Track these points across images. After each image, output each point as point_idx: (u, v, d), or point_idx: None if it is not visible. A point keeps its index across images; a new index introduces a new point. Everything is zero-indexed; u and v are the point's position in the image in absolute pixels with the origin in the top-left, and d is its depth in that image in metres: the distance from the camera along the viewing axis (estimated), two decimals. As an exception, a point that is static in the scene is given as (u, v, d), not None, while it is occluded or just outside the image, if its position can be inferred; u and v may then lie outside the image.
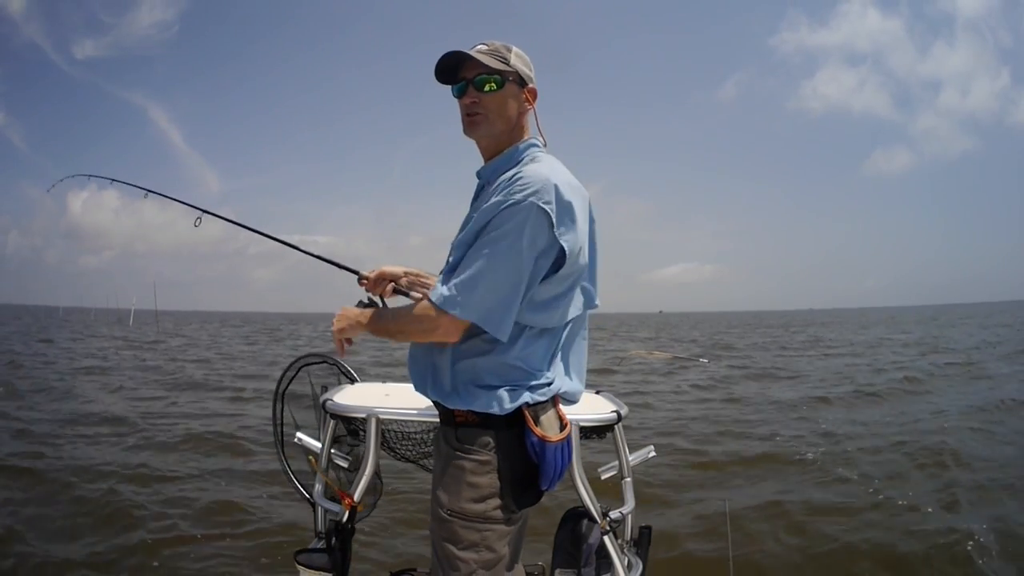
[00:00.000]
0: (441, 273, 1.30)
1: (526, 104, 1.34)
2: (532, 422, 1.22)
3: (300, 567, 1.68)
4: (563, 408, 1.32)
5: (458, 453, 1.25)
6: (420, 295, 1.43)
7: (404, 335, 1.28)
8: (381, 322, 1.32)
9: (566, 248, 1.19)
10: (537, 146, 1.35)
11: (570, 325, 1.32)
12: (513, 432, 1.23)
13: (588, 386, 1.54)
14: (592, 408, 1.81)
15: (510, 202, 1.16)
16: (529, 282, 1.19)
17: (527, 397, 1.22)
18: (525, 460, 1.24)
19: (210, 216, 1.92)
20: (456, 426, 1.27)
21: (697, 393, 9.44)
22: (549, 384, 1.27)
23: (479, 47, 1.30)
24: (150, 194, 2.13)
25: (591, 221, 1.32)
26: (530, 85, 1.34)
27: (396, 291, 1.54)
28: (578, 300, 1.31)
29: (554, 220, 1.17)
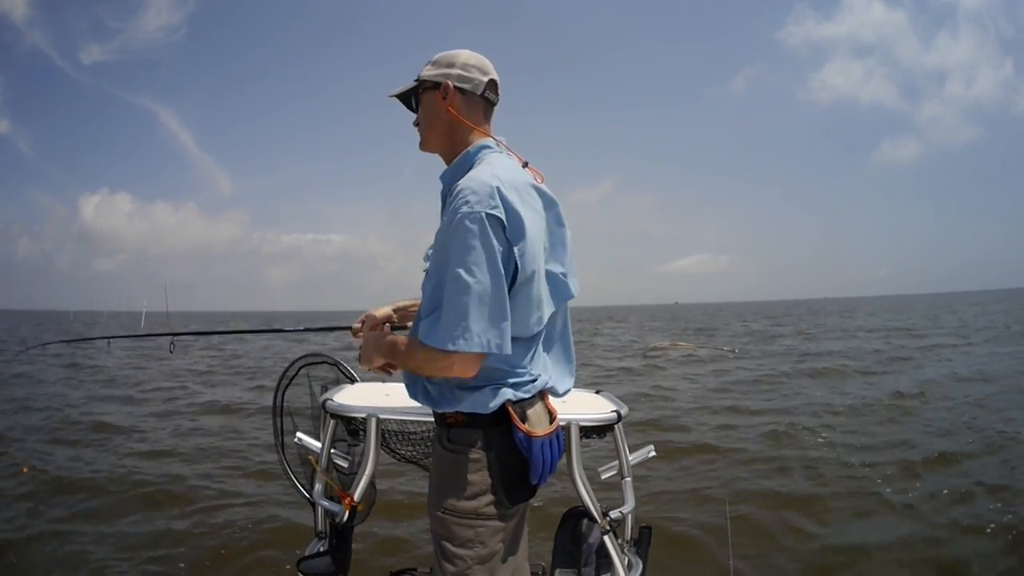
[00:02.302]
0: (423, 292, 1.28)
1: (442, 102, 1.32)
2: (517, 419, 1.23)
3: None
4: (553, 402, 1.34)
5: (450, 453, 1.28)
6: None
7: (422, 372, 1.28)
8: (398, 358, 1.33)
9: (517, 248, 1.18)
10: (490, 147, 1.33)
11: (549, 320, 1.32)
12: (501, 429, 1.25)
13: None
14: (592, 408, 1.81)
15: (459, 218, 1.15)
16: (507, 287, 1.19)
17: (510, 394, 1.24)
18: (515, 456, 1.25)
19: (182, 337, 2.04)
20: (447, 427, 1.30)
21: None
22: (533, 380, 1.28)
23: None
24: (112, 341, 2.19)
25: (553, 205, 1.31)
26: (443, 83, 1.31)
27: (394, 329, 1.56)
28: (550, 295, 1.29)
29: (505, 223, 1.16)
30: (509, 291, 1.19)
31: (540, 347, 1.32)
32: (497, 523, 1.26)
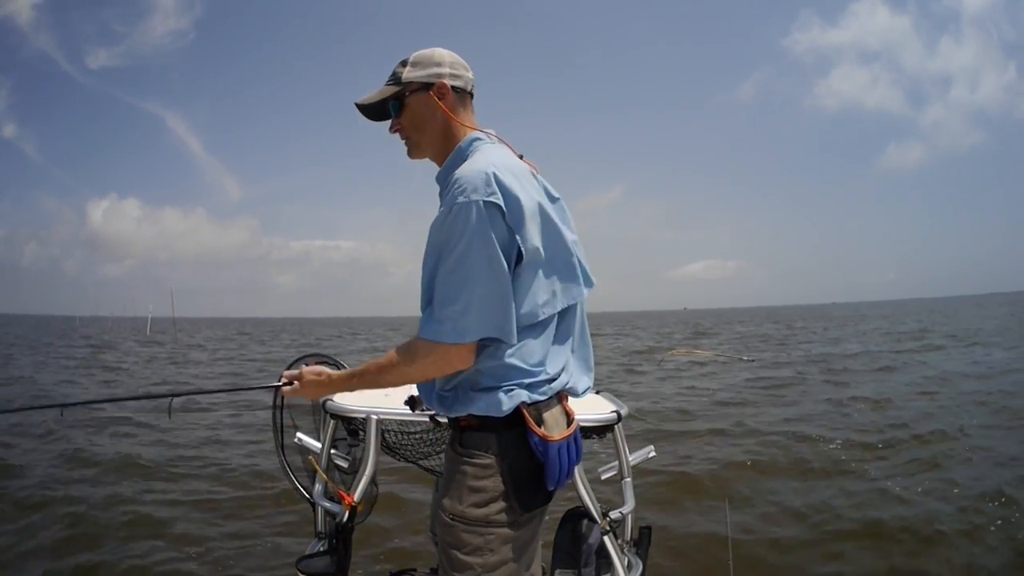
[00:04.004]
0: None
1: (438, 103, 1.29)
2: (532, 422, 1.18)
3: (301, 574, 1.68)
4: (570, 403, 1.29)
5: (461, 458, 1.23)
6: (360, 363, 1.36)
7: (407, 378, 1.23)
8: (366, 377, 1.26)
9: (520, 234, 1.14)
10: (481, 139, 1.30)
11: (565, 316, 1.27)
12: (515, 433, 1.20)
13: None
14: (592, 408, 1.81)
15: (455, 208, 1.12)
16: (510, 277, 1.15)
17: (524, 396, 1.19)
18: (529, 461, 1.20)
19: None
20: (460, 430, 1.25)
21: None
22: (550, 381, 1.22)
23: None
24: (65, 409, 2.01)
25: (556, 200, 1.28)
26: (436, 83, 1.28)
27: (319, 363, 1.55)
28: (561, 285, 1.24)
29: (504, 209, 1.12)
30: (513, 271, 1.15)
31: (558, 343, 1.26)
32: (508, 531, 1.21)
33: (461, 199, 1.12)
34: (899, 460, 5.05)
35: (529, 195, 1.18)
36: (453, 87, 1.30)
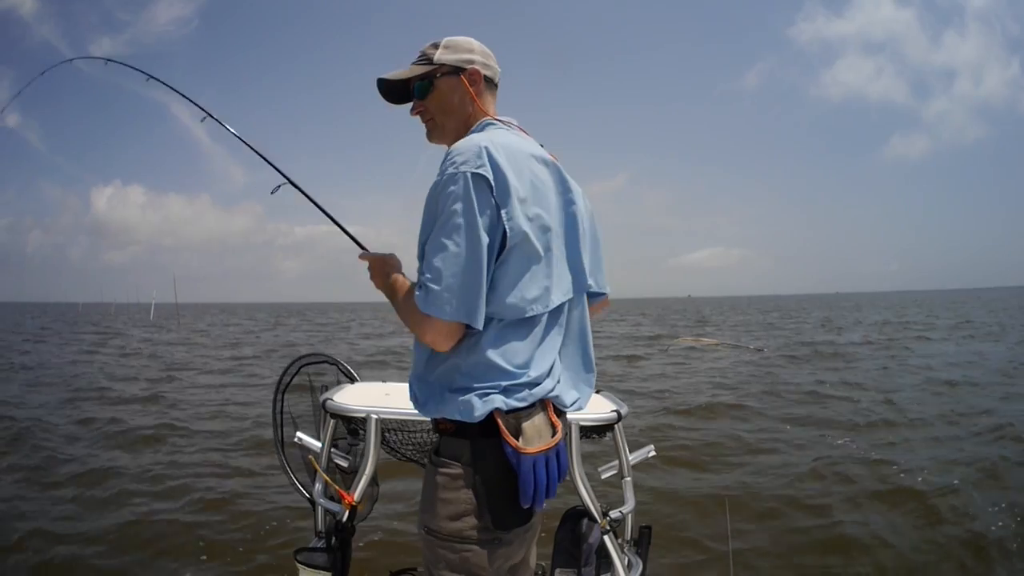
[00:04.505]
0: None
1: (468, 88, 1.28)
2: (507, 432, 1.09)
3: (300, 566, 1.69)
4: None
5: (434, 467, 1.16)
6: None
7: (407, 322, 1.18)
8: (394, 295, 1.23)
9: (506, 211, 1.10)
10: (494, 124, 1.28)
11: (558, 319, 1.20)
12: (490, 443, 1.11)
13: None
14: (592, 407, 1.81)
15: (444, 179, 1.10)
16: (489, 257, 1.10)
17: (499, 402, 1.09)
18: (504, 474, 1.11)
19: (290, 187, 1.62)
20: (440, 435, 1.20)
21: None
22: (531, 385, 1.12)
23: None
24: (151, 79, 2.01)
25: (568, 191, 1.24)
26: (469, 68, 1.28)
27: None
28: (556, 282, 1.17)
29: (492, 184, 1.09)
30: (498, 257, 1.11)
31: (547, 347, 1.17)
32: (484, 549, 1.12)
33: (451, 170, 1.10)
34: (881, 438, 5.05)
35: (524, 178, 1.14)
36: (484, 76, 1.30)
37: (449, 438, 1.17)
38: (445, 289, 1.07)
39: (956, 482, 4.15)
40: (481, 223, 1.08)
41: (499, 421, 1.09)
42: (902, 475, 4.41)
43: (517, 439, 1.09)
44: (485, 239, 1.08)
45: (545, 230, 1.16)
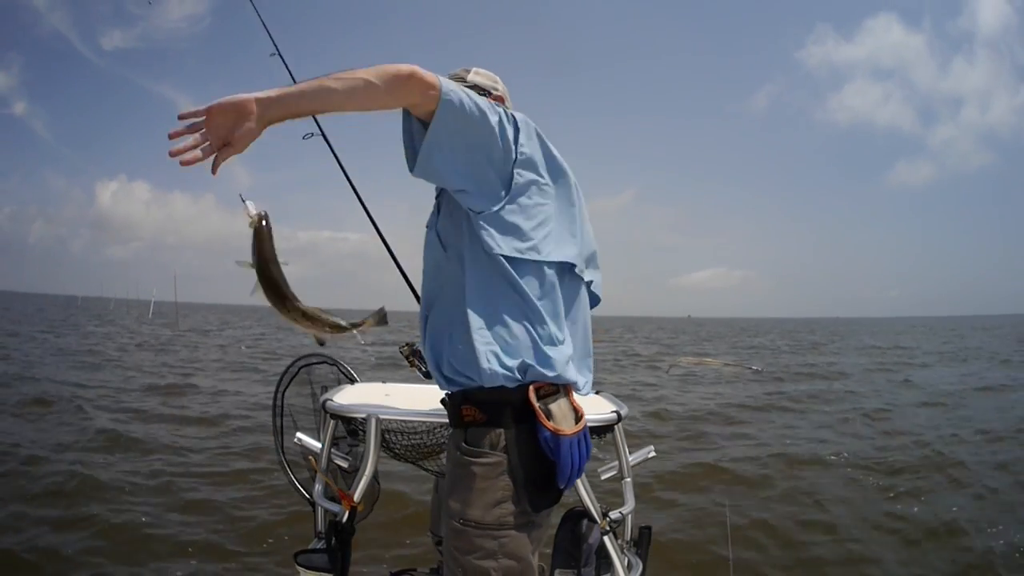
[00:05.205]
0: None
1: None
2: (543, 415, 1.15)
3: (300, 568, 1.68)
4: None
5: (467, 457, 1.19)
6: None
7: (372, 101, 1.06)
8: (327, 83, 1.03)
9: (519, 143, 1.17)
10: None
11: (571, 307, 1.27)
12: (524, 428, 1.17)
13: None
14: (592, 408, 1.81)
15: None
16: (492, 156, 1.15)
17: (537, 373, 1.16)
18: (539, 458, 1.17)
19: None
20: (464, 427, 1.22)
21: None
22: (558, 351, 1.18)
23: None
24: None
25: (574, 185, 1.32)
26: (495, 93, 1.44)
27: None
28: (563, 241, 1.25)
29: (520, 127, 1.18)
30: (511, 190, 1.17)
31: (569, 324, 1.25)
32: (521, 532, 1.18)
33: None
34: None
35: (541, 143, 1.24)
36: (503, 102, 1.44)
37: (479, 428, 1.19)
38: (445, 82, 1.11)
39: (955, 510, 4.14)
40: (500, 129, 1.15)
41: (536, 407, 1.15)
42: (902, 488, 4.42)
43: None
44: (499, 140, 1.14)
45: (568, 187, 1.28)
